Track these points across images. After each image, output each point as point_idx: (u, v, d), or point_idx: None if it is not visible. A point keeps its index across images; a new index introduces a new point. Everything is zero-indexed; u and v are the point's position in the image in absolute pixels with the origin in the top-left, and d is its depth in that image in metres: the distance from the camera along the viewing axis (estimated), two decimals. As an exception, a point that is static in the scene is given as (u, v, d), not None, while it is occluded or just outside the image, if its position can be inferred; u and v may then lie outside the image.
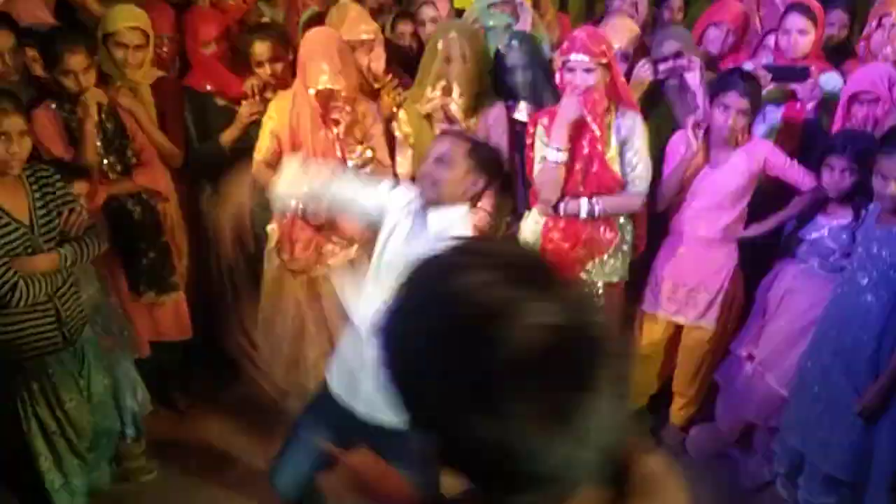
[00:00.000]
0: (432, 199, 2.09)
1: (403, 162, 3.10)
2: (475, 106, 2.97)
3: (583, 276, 2.99)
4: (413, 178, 3.10)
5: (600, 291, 3.04)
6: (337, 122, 2.92)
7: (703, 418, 3.41)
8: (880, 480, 2.64)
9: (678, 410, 3.39)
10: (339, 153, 2.94)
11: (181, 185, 3.41)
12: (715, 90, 2.92)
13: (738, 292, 3.16)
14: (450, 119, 2.96)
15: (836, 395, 2.66)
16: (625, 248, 3.03)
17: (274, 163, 2.96)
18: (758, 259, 3.13)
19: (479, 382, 0.71)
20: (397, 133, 3.04)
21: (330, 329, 3.27)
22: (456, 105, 2.91)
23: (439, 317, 0.75)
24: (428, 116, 2.97)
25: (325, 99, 2.89)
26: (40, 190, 2.48)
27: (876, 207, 2.55)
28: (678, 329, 3.23)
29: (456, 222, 2.08)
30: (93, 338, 2.73)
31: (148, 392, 3.15)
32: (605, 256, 2.99)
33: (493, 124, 3.02)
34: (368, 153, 2.94)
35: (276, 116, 3.00)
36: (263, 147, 3.03)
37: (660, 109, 3.24)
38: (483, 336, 0.71)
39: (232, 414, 3.52)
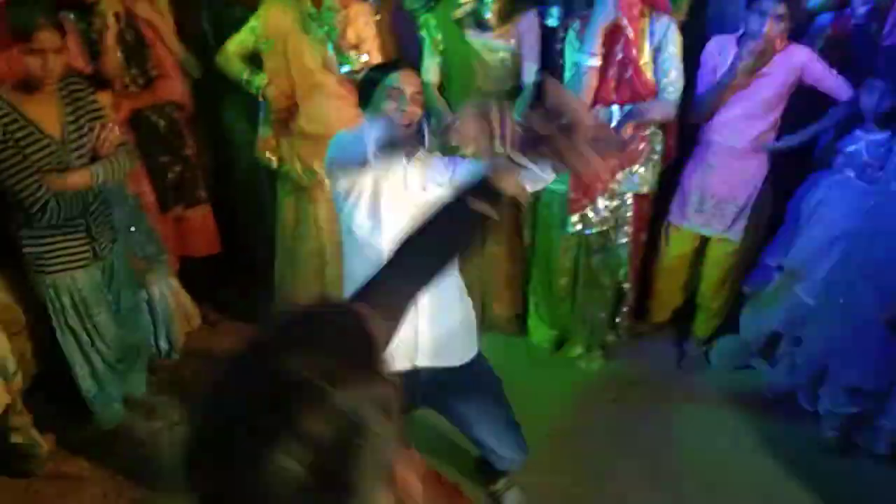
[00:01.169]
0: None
1: (431, 69, 3.03)
2: (508, 11, 2.89)
3: (613, 186, 2.96)
4: (440, 87, 3.05)
5: (629, 202, 3.01)
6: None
7: (726, 330, 3.44)
8: (904, 390, 2.68)
9: (702, 322, 3.41)
10: (331, 58, 2.90)
11: (202, 96, 3.36)
12: None
13: (767, 205, 3.12)
14: (481, 25, 2.87)
15: (863, 306, 2.66)
16: (655, 157, 2.98)
17: (245, 54, 2.99)
18: (788, 172, 3.07)
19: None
20: (426, 38, 2.96)
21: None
22: (489, 10, 2.82)
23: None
24: (459, 22, 2.88)
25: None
26: (73, 104, 2.45)
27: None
28: (704, 241, 3.21)
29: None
30: (121, 253, 2.75)
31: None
32: (636, 167, 2.95)
33: (525, 31, 2.94)
34: (364, 57, 2.88)
35: (264, 16, 2.96)
36: (238, 39, 3.01)
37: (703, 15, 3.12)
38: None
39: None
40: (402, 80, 2.01)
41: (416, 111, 2.03)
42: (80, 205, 2.49)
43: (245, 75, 3.00)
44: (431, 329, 2.11)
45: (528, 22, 2.94)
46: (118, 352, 2.81)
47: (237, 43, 3.00)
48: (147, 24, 3.04)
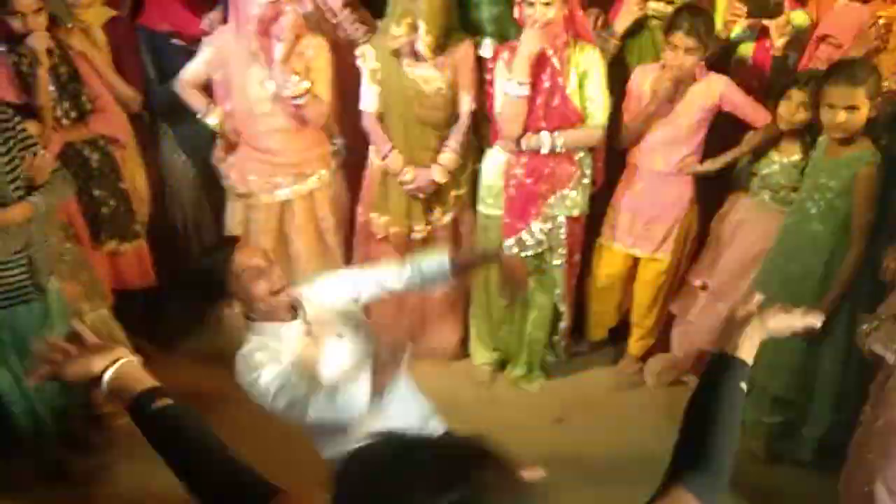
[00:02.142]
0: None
1: (369, 99, 3.08)
2: (443, 43, 2.96)
3: (545, 210, 3.05)
4: (379, 116, 3.10)
5: (562, 224, 3.11)
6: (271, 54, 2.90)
7: (660, 348, 3.56)
8: (823, 398, 2.82)
9: (636, 341, 3.52)
10: (272, 85, 2.94)
11: (140, 129, 3.36)
12: (665, 30, 2.93)
13: (694, 225, 3.26)
14: (417, 56, 2.95)
15: (782, 319, 2.79)
16: (584, 181, 3.09)
17: (198, 86, 3.03)
18: (712, 192, 3.22)
19: None
20: (364, 68, 3.03)
21: (297, 268, 3.32)
22: (423, 42, 2.89)
23: None
24: (396, 52, 2.95)
25: (268, 22, 2.87)
26: (2, 135, 2.41)
27: (824, 139, 2.65)
28: (635, 262, 3.33)
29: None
30: (56, 286, 2.71)
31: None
32: (567, 190, 3.05)
33: (461, 61, 3.01)
34: (305, 84, 2.92)
35: (217, 46, 3.00)
36: (191, 69, 3.04)
37: (641, 40, 3.20)
38: None
39: (198, 360, 3.55)
40: (244, 259, 1.93)
41: (278, 282, 1.96)
42: (24, 238, 2.46)
43: (203, 108, 3.05)
44: None
45: (464, 52, 3.01)
46: (56, 387, 2.75)
47: (190, 74, 3.03)
48: (82, 57, 3.03)
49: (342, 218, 3.41)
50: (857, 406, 2.42)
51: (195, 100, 3.06)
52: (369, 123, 3.10)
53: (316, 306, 2.05)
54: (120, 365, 1.37)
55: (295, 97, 2.91)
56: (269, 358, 1.92)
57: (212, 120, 3.03)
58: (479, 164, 3.22)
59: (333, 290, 2.13)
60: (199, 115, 3.05)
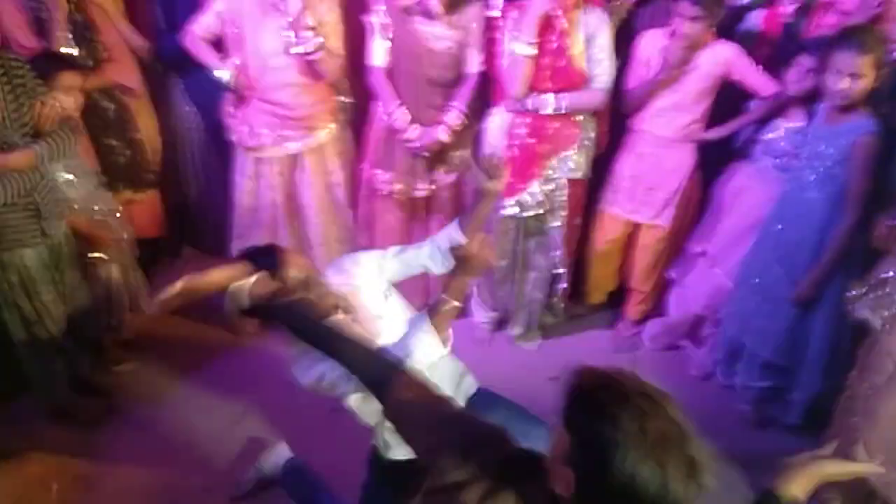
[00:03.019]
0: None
1: (379, 54, 3.10)
2: (455, 2, 2.97)
3: (546, 171, 3.08)
4: (387, 73, 3.12)
5: (563, 187, 3.14)
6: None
7: (657, 313, 3.61)
8: (814, 364, 2.87)
9: (634, 306, 3.58)
10: (287, 40, 2.95)
11: (151, 79, 3.40)
12: None
13: (695, 192, 3.28)
14: (429, 14, 2.96)
15: (776, 286, 2.84)
16: (587, 144, 3.12)
17: (209, 39, 3.02)
18: (714, 160, 3.24)
19: None
20: (374, 23, 3.04)
21: (306, 223, 3.36)
22: (437, 1, 2.90)
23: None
24: (408, 9, 2.96)
25: None
26: (10, 83, 2.44)
27: (825, 106, 2.66)
28: (636, 227, 3.36)
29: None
30: (65, 231, 2.77)
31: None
32: (569, 152, 3.08)
33: (472, 23, 3.02)
34: (319, 40, 2.93)
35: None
36: (204, 22, 3.02)
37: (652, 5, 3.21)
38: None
39: (207, 310, 3.62)
40: (290, 272, 1.97)
41: (324, 292, 2.03)
42: (28, 183, 2.50)
43: (215, 62, 3.03)
44: None
45: (475, 12, 3.03)
46: (63, 330, 2.83)
47: (203, 27, 3.02)
48: (95, 7, 3.06)
49: (350, 173, 3.45)
50: (846, 372, 2.46)
51: (205, 53, 3.04)
52: (377, 79, 3.13)
53: (352, 291, 2.12)
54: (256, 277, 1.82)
55: (309, 52, 2.93)
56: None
57: (223, 74, 3.02)
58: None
59: (364, 270, 2.17)
60: (210, 69, 3.04)
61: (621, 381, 1.12)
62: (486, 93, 3.22)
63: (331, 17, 3.02)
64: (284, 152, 3.20)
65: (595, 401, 1.10)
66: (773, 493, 1.42)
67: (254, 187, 3.29)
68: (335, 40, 3.03)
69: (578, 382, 1.16)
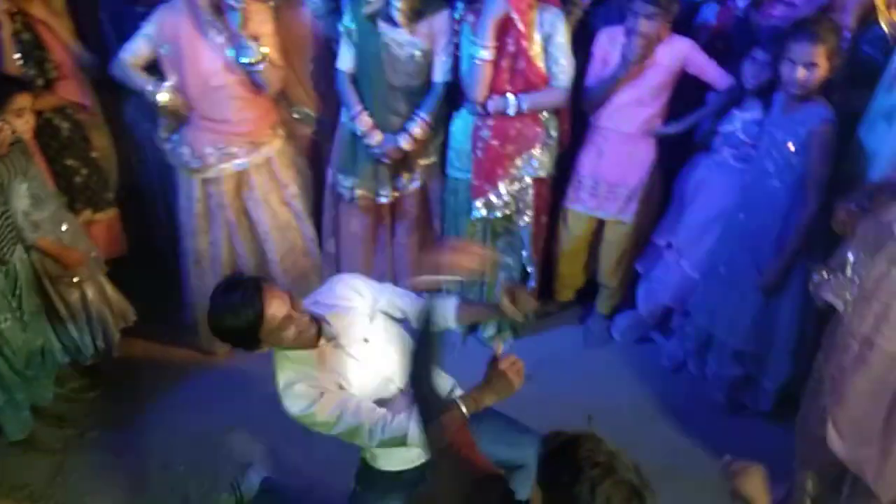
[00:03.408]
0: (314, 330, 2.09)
1: (345, 58, 3.09)
2: (419, 10, 2.96)
3: (512, 171, 3.10)
4: (353, 78, 3.11)
5: (529, 186, 3.15)
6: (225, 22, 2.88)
7: (626, 306, 3.65)
8: (782, 350, 2.92)
9: (603, 300, 3.61)
10: (227, 56, 2.93)
11: (104, 97, 3.34)
12: None
13: (657, 186, 3.32)
14: (393, 21, 2.94)
15: (742, 275, 2.90)
16: (550, 143, 3.15)
17: (141, 64, 2.97)
18: (675, 154, 3.29)
19: None
20: (341, 28, 3.03)
21: (262, 239, 3.34)
22: (396, 10, 2.90)
23: None
24: (371, 16, 2.95)
25: None
26: None
27: (782, 96, 2.72)
28: (600, 223, 3.39)
29: None
30: (24, 257, 2.70)
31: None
32: (533, 151, 3.10)
33: (438, 30, 3.00)
34: (265, 49, 2.92)
35: (159, 23, 2.93)
36: (132, 48, 2.96)
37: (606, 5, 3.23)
38: None
39: (174, 328, 3.58)
40: (272, 311, 1.93)
41: (307, 323, 2.01)
42: None
43: (149, 86, 2.97)
44: None
45: (442, 21, 3.00)
46: (24, 358, 2.76)
47: (132, 53, 2.95)
48: (43, 26, 3.00)
49: (306, 183, 3.43)
50: (813, 356, 2.51)
51: (138, 79, 2.97)
52: (342, 83, 3.12)
53: (338, 313, 2.11)
54: None
55: (253, 63, 2.90)
56: (312, 386, 2.01)
57: (162, 97, 2.96)
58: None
59: (361, 297, 2.17)
60: (146, 94, 2.97)
61: (578, 447, 1.30)
62: (452, 96, 3.21)
63: (266, 29, 2.98)
64: (230, 170, 3.16)
65: (556, 467, 1.30)
66: None
67: (203, 209, 3.25)
68: (273, 52, 3.00)
69: (545, 449, 1.35)
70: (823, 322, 2.52)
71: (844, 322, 2.12)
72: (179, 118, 3.10)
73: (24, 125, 2.63)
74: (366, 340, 2.12)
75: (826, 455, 2.22)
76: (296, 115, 3.41)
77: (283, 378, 2.04)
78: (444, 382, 2.30)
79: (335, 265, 3.62)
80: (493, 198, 3.13)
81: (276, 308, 1.92)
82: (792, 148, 2.64)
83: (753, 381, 3.09)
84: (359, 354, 2.10)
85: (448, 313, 2.17)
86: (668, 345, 3.49)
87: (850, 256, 2.08)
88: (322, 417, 1.99)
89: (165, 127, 3.15)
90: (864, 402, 2.01)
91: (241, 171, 3.19)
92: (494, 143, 3.03)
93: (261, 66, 2.92)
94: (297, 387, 2.00)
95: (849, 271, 2.08)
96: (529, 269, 3.38)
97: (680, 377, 3.41)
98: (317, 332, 2.03)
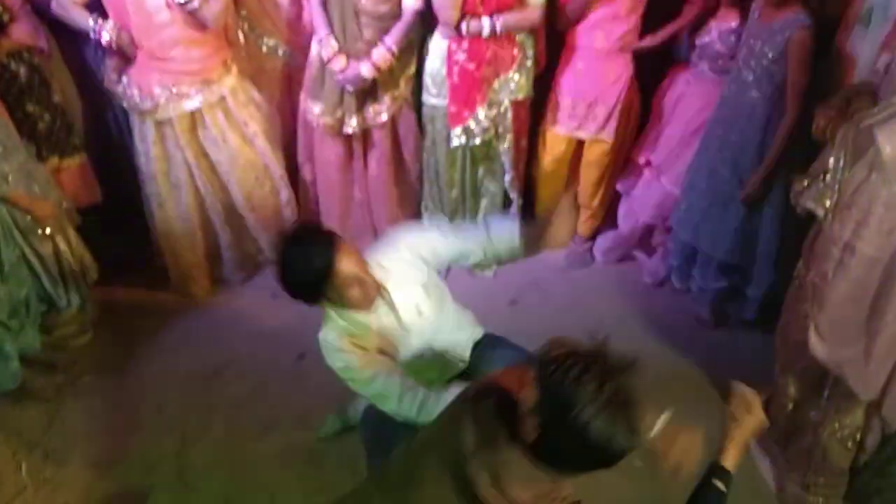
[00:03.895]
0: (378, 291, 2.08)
1: None
2: None
3: (490, 95, 3.05)
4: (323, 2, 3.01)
5: (508, 110, 3.11)
6: None
7: (607, 227, 3.67)
8: (766, 259, 2.97)
9: (584, 222, 3.62)
10: None
11: (63, 39, 3.21)
12: None
13: (635, 103, 3.29)
14: None
15: (723, 188, 2.91)
16: (528, 63, 3.09)
17: (80, 1, 2.88)
18: (653, 69, 3.25)
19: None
20: None
21: (226, 179, 3.30)
22: None
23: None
24: None
25: None
26: None
27: (758, 4, 2.67)
28: (580, 144, 3.37)
29: None
30: (1, 208, 2.65)
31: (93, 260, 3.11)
32: (510, 73, 3.05)
33: None
34: None
35: None
36: None
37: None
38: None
39: (158, 273, 3.56)
40: (343, 268, 1.92)
41: (372, 286, 2.00)
42: None
43: (92, 23, 2.87)
44: None
45: None
46: (8, 309, 2.74)
47: None
48: (-12, -36, 2.86)
49: (268, 119, 3.36)
50: (795, 264, 2.55)
51: (80, 18, 2.89)
52: (313, 6, 3.02)
53: (395, 277, 2.10)
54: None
55: (184, 3, 2.78)
56: (355, 346, 2.03)
57: (106, 36, 2.87)
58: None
59: (411, 259, 2.16)
60: (90, 33, 2.88)
61: (585, 350, 1.34)
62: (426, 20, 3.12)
63: None
64: (182, 111, 3.08)
65: (562, 367, 1.30)
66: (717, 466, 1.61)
67: (161, 152, 3.19)
68: None
69: (549, 349, 1.36)
70: (804, 230, 2.55)
71: (825, 229, 2.14)
72: (127, 58, 3.00)
73: None
74: (420, 313, 2.15)
75: (807, 359, 2.27)
76: (264, 49, 3.31)
77: (328, 333, 2.06)
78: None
79: (312, 192, 3.59)
80: (471, 124, 3.08)
81: (347, 265, 1.92)
82: (770, 56, 2.61)
83: (737, 292, 3.14)
84: (412, 326, 2.14)
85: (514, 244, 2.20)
86: (650, 262, 3.53)
87: (831, 163, 2.08)
88: (358, 376, 2.03)
89: (113, 67, 3.06)
90: (845, 305, 2.05)
91: (195, 112, 3.11)
92: (470, 66, 2.96)
93: (195, 3, 2.79)
94: (340, 343, 2.03)
95: (829, 178, 2.09)
96: (511, 195, 3.37)
97: (662, 292, 3.47)
98: (376, 296, 2.04)
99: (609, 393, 1.28)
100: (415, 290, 2.15)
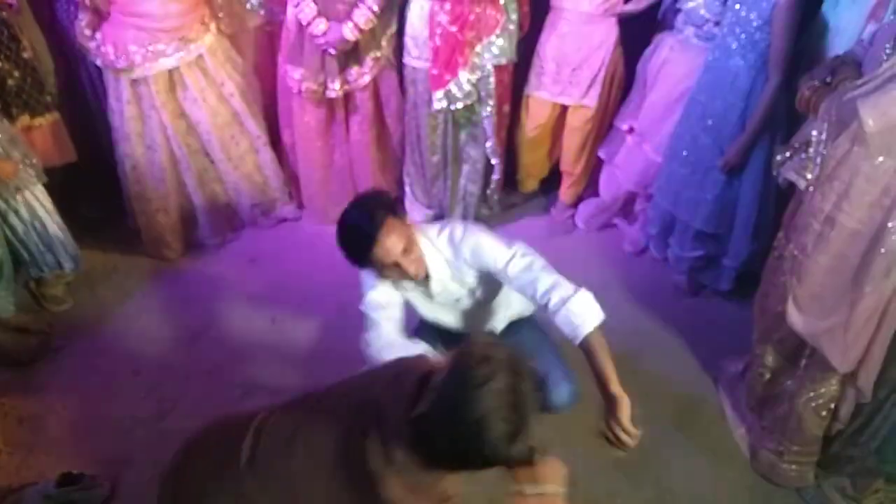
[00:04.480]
0: (420, 278, 2.07)
1: None
2: None
3: (472, 59, 3.00)
4: None
5: (490, 74, 3.06)
6: None
7: (589, 194, 3.65)
8: (744, 229, 2.97)
9: (567, 189, 3.61)
10: None
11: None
12: None
13: (619, 69, 3.25)
14: None
15: (704, 156, 2.89)
16: (511, 27, 3.04)
17: None
18: (638, 35, 3.20)
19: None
20: None
21: (205, 140, 3.25)
22: None
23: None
24: None
25: None
26: None
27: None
28: (563, 110, 3.34)
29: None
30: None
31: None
32: (493, 37, 3.00)
33: None
34: None
35: None
36: None
37: None
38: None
39: (130, 237, 3.51)
40: (384, 247, 1.92)
41: (414, 264, 1.99)
42: None
43: None
44: None
45: None
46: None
47: None
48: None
49: (249, 78, 3.31)
50: (774, 235, 2.56)
51: None
52: None
53: (445, 272, 2.10)
54: None
55: None
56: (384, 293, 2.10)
57: None
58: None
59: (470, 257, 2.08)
60: None
61: (493, 355, 1.38)
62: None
63: None
64: (159, 69, 3.02)
65: (476, 361, 1.36)
66: None
67: (136, 111, 3.13)
68: None
69: (473, 345, 1.42)
70: (784, 200, 2.55)
71: (806, 201, 2.13)
72: (100, 14, 2.92)
73: None
74: (457, 300, 2.19)
75: (784, 330, 2.29)
76: (248, 7, 3.24)
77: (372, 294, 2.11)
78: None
79: (292, 157, 3.54)
80: (453, 88, 3.03)
81: (390, 244, 1.93)
82: (755, 23, 2.58)
83: (714, 262, 3.15)
84: (442, 315, 2.23)
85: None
86: (630, 230, 3.52)
87: (814, 134, 2.07)
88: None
89: (86, 23, 2.98)
90: (825, 277, 2.05)
91: (172, 71, 3.05)
92: (452, 29, 2.91)
93: None
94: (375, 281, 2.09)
95: (812, 150, 2.08)
96: (493, 161, 3.34)
97: (642, 261, 3.47)
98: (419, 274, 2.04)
99: (513, 397, 1.33)
100: (457, 288, 2.16)
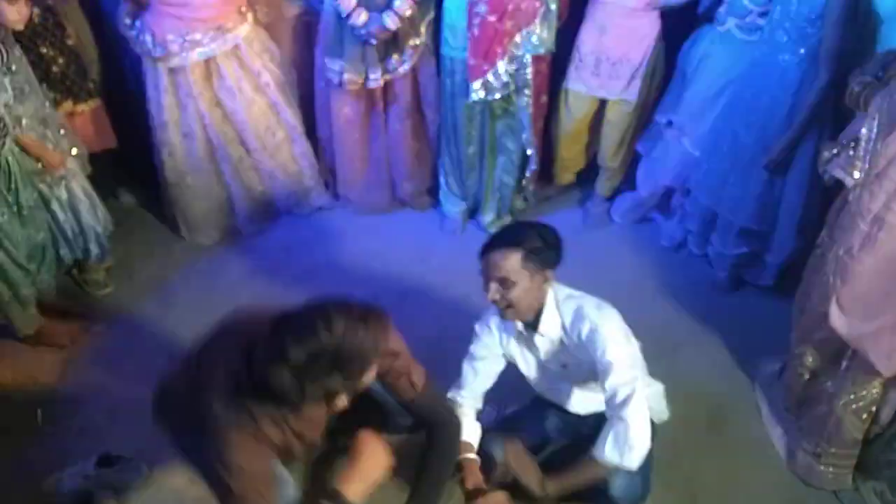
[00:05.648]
0: (523, 319, 2.13)
1: None
2: None
3: (511, 49, 2.97)
4: None
5: (528, 65, 3.03)
6: None
7: (626, 188, 3.61)
8: (788, 226, 2.92)
9: (604, 182, 3.56)
10: None
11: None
12: None
13: (660, 63, 3.19)
14: None
15: (746, 152, 2.84)
16: (550, 17, 2.99)
17: None
18: (679, 28, 3.14)
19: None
20: None
21: (240, 129, 3.27)
22: None
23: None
24: None
25: None
26: None
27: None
28: (602, 103, 3.29)
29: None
30: (17, 150, 2.62)
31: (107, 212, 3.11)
32: (532, 27, 2.96)
33: None
34: None
35: None
36: None
37: None
38: None
39: (169, 224, 3.56)
40: (491, 268, 2.04)
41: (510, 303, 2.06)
42: None
43: None
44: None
45: None
46: (26, 252, 2.75)
47: None
48: None
49: (284, 70, 3.32)
50: (818, 231, 2.50)
51: None
52: None
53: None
54: None
55: None
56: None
57: None
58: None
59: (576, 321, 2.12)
60: None
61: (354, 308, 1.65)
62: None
63: None
64: (196, 59, 3.04)
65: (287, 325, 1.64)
66: None
67: (173, 100, 3.16)
68: None
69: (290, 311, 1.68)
70: (829, 198, 2.49)
71: (853, 200, 2.08)
72: (141, 3, 2.96)
73: (15, 14, 2.51)
74: (563, 366, 2.25)
75: (826, 330, 2.24)
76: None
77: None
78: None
79: (329, 151, 3.55)
80: (491, 78, 3.00)
81: (509, 266, 2.03)
82: (806, 16, 2.51)
83: (756, 258, 3.10)
84: (543, 379, 2.34)
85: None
86: (667, 224, 3.48)
87: (863, 132, 2.02)
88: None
89: (127, 12, 3.02)
90: (870, 279, 2.00)
91: (209, 60, 3.08)
92: (491, 18, 2.87)
93: None
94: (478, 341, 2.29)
95: (861, 147, 2.03)
96: (529, 152, 3.31)
97: (679, 256, 3.42)
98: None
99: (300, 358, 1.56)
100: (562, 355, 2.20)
